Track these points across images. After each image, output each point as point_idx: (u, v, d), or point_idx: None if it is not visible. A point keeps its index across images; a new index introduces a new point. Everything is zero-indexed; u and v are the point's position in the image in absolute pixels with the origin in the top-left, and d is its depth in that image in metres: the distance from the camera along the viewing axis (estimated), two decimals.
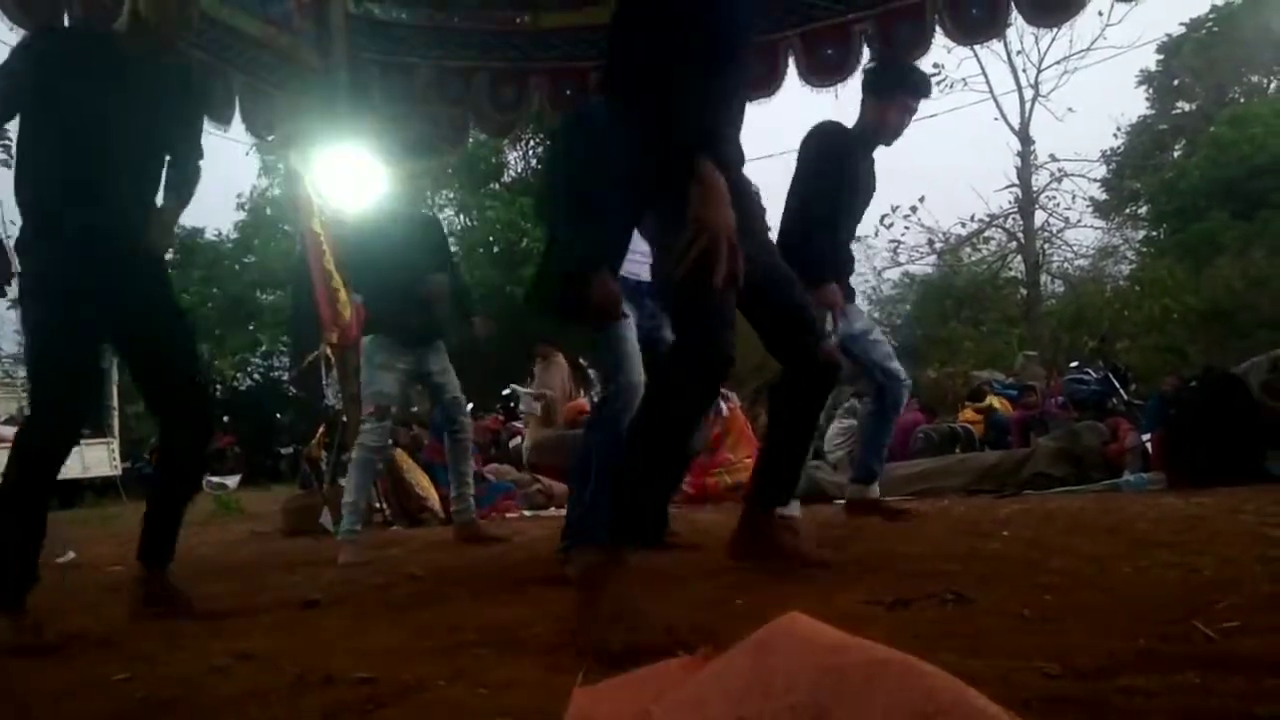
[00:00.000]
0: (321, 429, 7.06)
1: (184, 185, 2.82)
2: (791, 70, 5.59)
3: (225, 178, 24.80)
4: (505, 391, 10.42)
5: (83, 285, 2.48)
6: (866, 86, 3.82)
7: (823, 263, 3.61)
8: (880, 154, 3.93)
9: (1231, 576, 2.11)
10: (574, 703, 1.34)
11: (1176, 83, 23.33)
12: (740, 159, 2.39)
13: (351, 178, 5.72)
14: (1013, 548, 2.90)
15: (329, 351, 6.30)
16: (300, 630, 2.33)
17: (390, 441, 4.74)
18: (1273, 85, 22.96)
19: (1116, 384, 8.04)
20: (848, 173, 3.71)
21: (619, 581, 1.91)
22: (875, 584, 2.28)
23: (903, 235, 20.86)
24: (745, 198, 2.35)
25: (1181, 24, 21.49)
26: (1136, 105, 24.02)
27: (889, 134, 3.79)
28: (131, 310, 2.62)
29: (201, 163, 2.87)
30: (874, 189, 3.99)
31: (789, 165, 3.72)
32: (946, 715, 0.97)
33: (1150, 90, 23.64)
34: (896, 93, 3.74)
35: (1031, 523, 3.64)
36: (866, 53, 5.37)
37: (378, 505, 6.38)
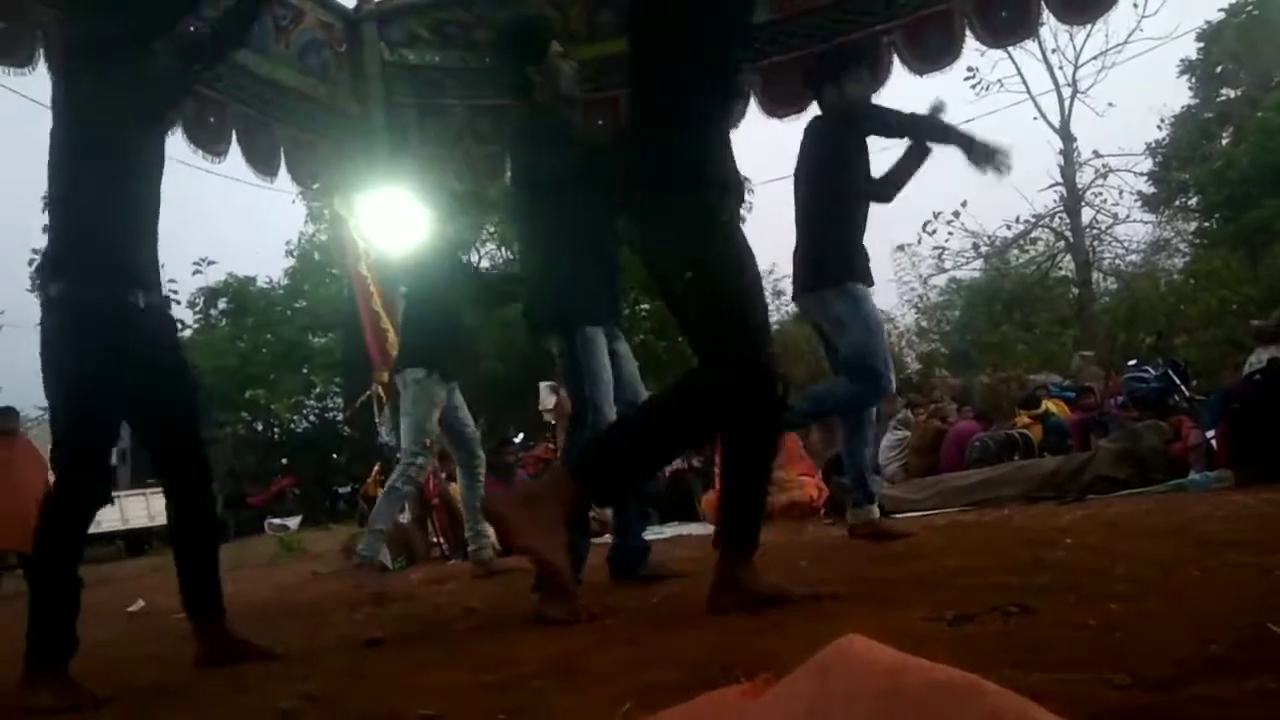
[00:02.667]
0: (377, 467, 7.16)
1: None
2: None
3: (274, 227, 25.46)
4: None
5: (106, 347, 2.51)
6: (821, 77, 3.97)
7: (852, 262, 3.78)
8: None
9: None
10: None
11: (1219, 69, 22.84)
12: (739, 185, 2.46)
13: (394, 221, 5.85)
14: (1076, 555, 2.84)
15: (380, 390, 6.41)
16: (364, 670, 2.37)
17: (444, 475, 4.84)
18: None
19: (1177, 380, 7.82)
20: (845, 155, 3.86)
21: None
22: (935, 600, 2.25)
23: (947, 240, 20.66)
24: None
25: (1220, 10, 21.14)
26: (1179, 95, 23.63)
27: (855, 105, 3.90)
28: (140, 370, 2.61)
29: None
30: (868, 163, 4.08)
31: None
32: None
33: (1192, 79, 23.18)
34: (846, 70, 3.91)
35: (1095, 528, 3.57)
36: (897, 63, 5.34)
37: (435, 540, 6.45)
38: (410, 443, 4.30)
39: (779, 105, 5.46)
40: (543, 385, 8.21)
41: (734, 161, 2.43)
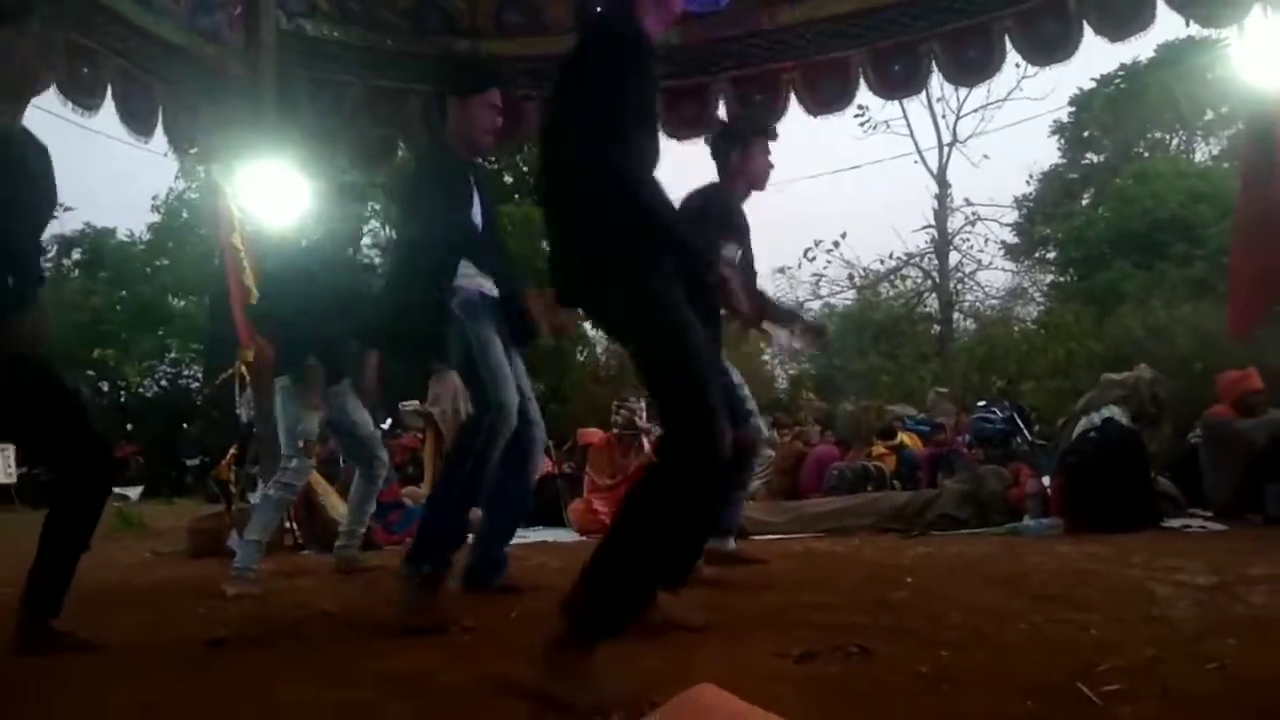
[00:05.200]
0: (233, 449, 6.87)
1: None
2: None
3: (140, 177, 24.02)
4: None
5: None
6: (726, 141, 3.83)
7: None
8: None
9: (1118, 638, 2.23)
10: None
11: (1086, 134, 24.39)
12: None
13: (275, 193, 5.64)
14: (917, 598, 3.00)
15: (244, 369, 6.16)
16: (206, 674, 2.28)
17: None
18: (1174, 142, 24.19)
19: (1020, 424, 8.34)
20: (735, 225, 3.78)
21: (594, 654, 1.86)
22: (784, 636, 2.34)
23: (825, 269, 21.37)
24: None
25: (1093, 79, 22.53)
26: (1049, 154, 25.08)
27: (759, 179, 3.83)
28: None
29: None
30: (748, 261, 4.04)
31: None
32: None
33: (1062, 140, 24.67)
34: (755, 140, 3.81)
35: (936, 569, 3.78)
36: (794, 102, 5.53)
37: (288, 525, 6.24)
38: (284, 447, 4.15)
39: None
40: (405, 410, 8.07)
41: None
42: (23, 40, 2.50)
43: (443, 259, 3.04)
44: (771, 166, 3.83)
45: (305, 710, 1.86)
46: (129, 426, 20.51)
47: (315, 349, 4.09)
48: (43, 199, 2.60)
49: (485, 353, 3.00)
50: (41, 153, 2.59)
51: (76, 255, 23.04)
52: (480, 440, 2.95)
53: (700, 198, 3.63)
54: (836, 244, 20.46)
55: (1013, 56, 5.37)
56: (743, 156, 3.76)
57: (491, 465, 2.98)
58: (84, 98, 4.67)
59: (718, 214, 3.64)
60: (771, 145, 3.81)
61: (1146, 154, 23.48)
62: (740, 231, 3.78)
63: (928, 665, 2.03)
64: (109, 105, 4.90)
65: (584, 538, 6.14)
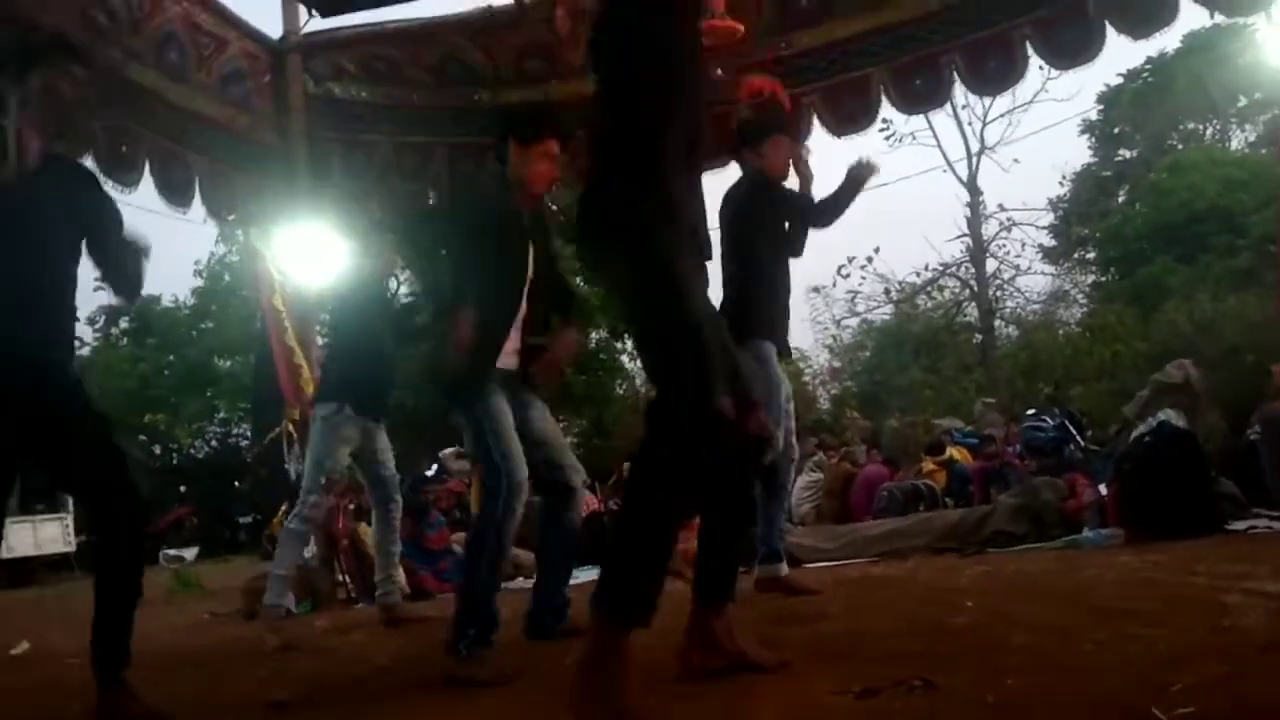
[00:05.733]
0: (284, 506, 6.97)
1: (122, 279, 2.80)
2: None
3: (182, 247, 24.62)
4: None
5: None
6: (741, 140, 4.06)
7: (759, 321, 3.87)
8: None
9: (1187, 653, 2.16)
10: None
11: (1117, 131, 24.10)
12: (702, 220, 2.41)
13: (312, 255, 5.76)
14: (977, 620, 2.95)
15: (291, 427, 6.27)
16: None
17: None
18: (1208, 132, 23.82)
19: (1073, 430, 8.18)
20: (758, 219, 3.97)
21: (615, 668, 1.88)
22: (843, 670, 2.31)
23: (860, 285, 21.26)
24: (703, 270, 2.40)
25: (1119, 75, 22.31)
26: (1080, 154, 24.81)
27: (778, 173, 4.03)
28: (45, 423, 2.56)
29: (136, 241, 2.80)
30: (797, 233, 4.16)
31: None
32: None
33: (1092, 139, 24.39)
34: (767, 135, 4.01)
35: (995, 589, 3.70)
36: (816, 124, 5.54)
37: (341, 579, 6.30)
38: (307, 480, 4.23)
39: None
40: (445, 455, 8.10)
41: (697, 204, 2.37)
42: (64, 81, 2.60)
43: (496, 331, 3.00)
44: (807, 154, 4.04)
45: None
46: (182, 488, 20.89)
47: (365, 378, 4.21)
48: None
49: (496, 430, 2.92)
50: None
51: (124, 324, 23.60)
52: (495, 529, 2.88)
53: (738, 191, 4.00)
54: (870, 259, 20.41)
55: (1035, 60, 5.35)
56: (757, 155, 3.91)
57: (509, 544, 2.94)
58: (123, 174, 4.80)
59: (754, 206, 3.97)
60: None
61: (1180, 145, 23.12)
62: (786, 205, 4.07)
63: (993, 694, 1.98)
64: (147, 179, 5.03)
65: None
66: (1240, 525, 4.96)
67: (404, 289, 5.44)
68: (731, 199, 4.04)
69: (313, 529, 4.33)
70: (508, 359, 3.07)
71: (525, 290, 3.09)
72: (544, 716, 2.16)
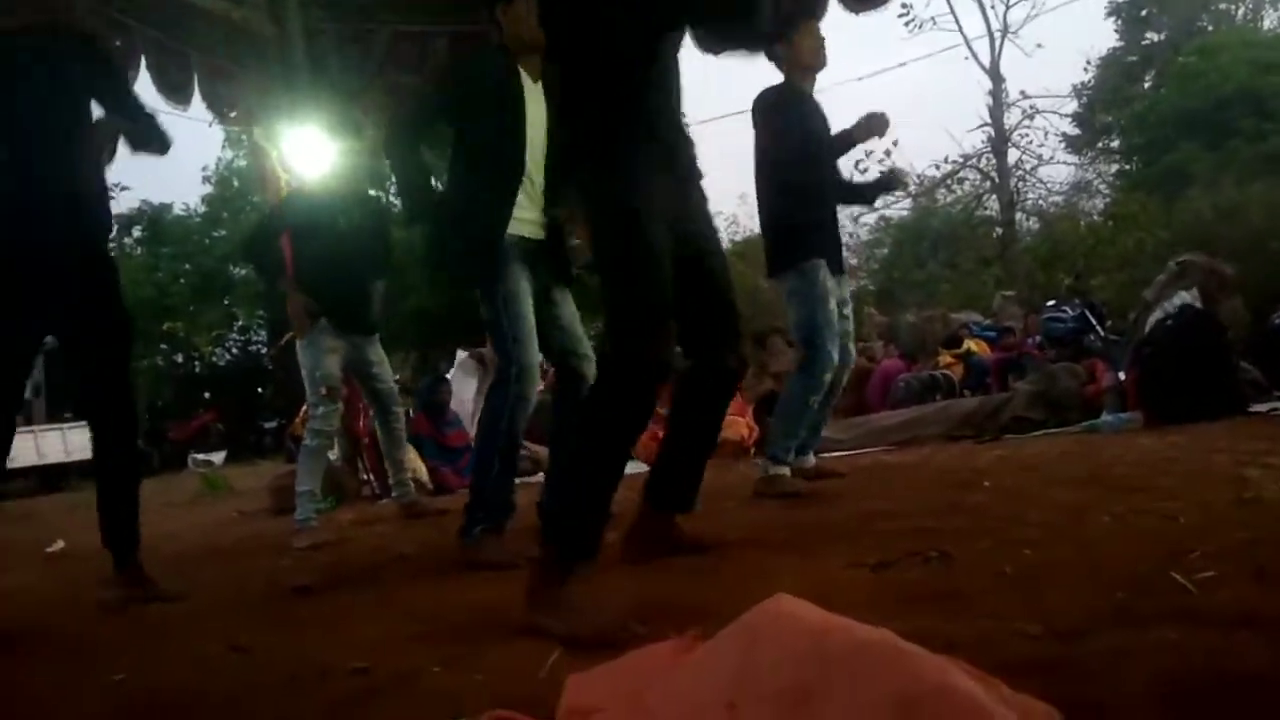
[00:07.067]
0: (304, 407, 7.03)
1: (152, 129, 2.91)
2: None
3: (190, 152, 24.35)
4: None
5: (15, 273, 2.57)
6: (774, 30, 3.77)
7: (798, 240, 3.68)
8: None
9: (1207, 523, 2.15)
10: (568, 688, 1.36)
11: (1144, 13, 23.23)
12: (684, 137, 2.29)
13: (316, 152, 5.64)
14: (993, 499, 2.94)
15: None
16: (292, 619, 2.35)
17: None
18: (1240, 12, 22.91)
19: (1093, 320, 8.09)
20: (802, 121, 3.76)
21: (570, 580, 1.90)
22: (859, 546, 2.31)
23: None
24: (689, 183, 2.29)
25: None
26: (1106, 37, 24.01)
27: (814, 61, 3.81)
28: (67, 303, 2.67)
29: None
30: (828, 130, 3.96)
31: None
32: (930, 698, 1.00)
33: (1119, 21, 23.54)
34: (795, 23, 3.81)
35: (1011, 471, 3.69)
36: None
37: (365, 478, 6.40)
38: (309, 395, 4.22)
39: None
40: (460, 356, 8.02)
41: (670, 115, 2.22)
42: None
43: (498, 196, 2.86)
44: (823, 47, 3.82)
45: (390, 644, 1.90)
46: (206, 395, 21.17)
47: (335, 294, 4.11)
48: None
49: (512, 312, 2.82)
50: None
51: (137, 233, 23.55)
52: (505, 415, 2.83)
53: (774, 94, 3.76)
54: (888, 152, 19.84)
55: None
56: (788, 44, 3.72)
57: (522, 430, 2.89)
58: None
59: (791, 111, 3.73)
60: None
61: (1210, 28, 22.27)
62: (818, 120, 3.83)
63: (1010, 565, 1.97)
64: (144, 78, 4.92)
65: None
66: (1262, 408, 4.92)
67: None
68: (768, 96, 3.77)
69: (327, 440, 4.31)
70: (533, 229, 2.94)
71: (527, 155, 2.91)
72: None
